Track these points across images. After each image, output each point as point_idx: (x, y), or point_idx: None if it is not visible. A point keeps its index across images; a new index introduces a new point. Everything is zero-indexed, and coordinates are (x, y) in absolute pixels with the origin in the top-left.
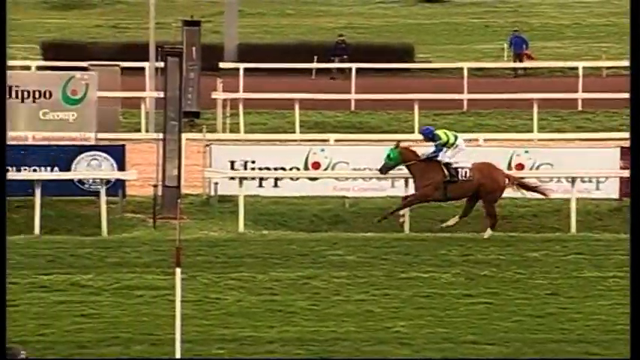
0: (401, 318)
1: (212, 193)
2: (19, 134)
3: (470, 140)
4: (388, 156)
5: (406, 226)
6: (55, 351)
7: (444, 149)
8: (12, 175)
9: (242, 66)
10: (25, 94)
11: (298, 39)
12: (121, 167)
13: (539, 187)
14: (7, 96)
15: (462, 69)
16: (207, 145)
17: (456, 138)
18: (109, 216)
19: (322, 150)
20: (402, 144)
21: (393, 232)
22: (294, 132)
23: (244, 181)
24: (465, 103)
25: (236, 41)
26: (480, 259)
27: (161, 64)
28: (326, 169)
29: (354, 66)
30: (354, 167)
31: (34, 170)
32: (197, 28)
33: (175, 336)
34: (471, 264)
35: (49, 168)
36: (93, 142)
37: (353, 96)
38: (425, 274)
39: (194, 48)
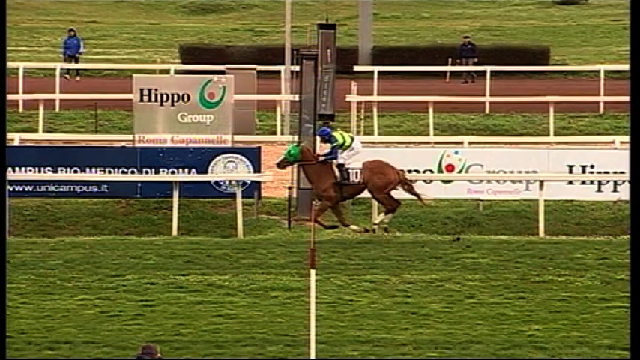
0: (535, 321)
1: None
2: (157, 137)
3: (606, 143)
4: (289, 152)
5: (541, 229)
6: (191, 350)
7: (340, 151)
8: (150, 177)
9: (376, 69)
10: (164, 97)
11: (432, 42)
12: (257, 169)
13: (421, 195)
14: (147, 99)
15: (598, 71)
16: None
17: (352, 140)
18: (245, 217)
19: (456, 152)
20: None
21: (528, 234)
22: (428, 135)
23: None
24: (602, 105)
25: (371, 44)
26: (616, 262)
27: (296, 68)
28: (460, 172)
29: (488, 68)
30: (488, 170)
31: (172, 172)
32: (332, 32)
33: (310, 337)
34: (607, 267)
35: (186, 170)
36: (229, 145)
37: (487, 98)
38: (560, 277)
39: (329, 51)
